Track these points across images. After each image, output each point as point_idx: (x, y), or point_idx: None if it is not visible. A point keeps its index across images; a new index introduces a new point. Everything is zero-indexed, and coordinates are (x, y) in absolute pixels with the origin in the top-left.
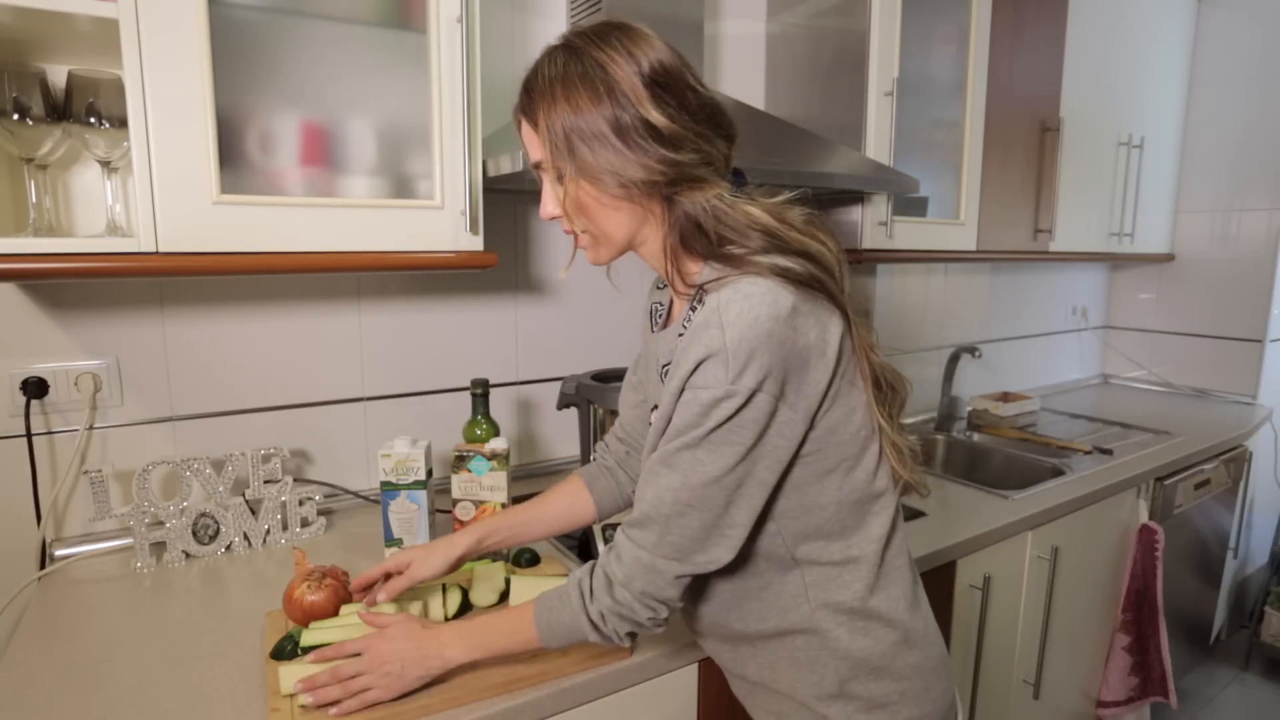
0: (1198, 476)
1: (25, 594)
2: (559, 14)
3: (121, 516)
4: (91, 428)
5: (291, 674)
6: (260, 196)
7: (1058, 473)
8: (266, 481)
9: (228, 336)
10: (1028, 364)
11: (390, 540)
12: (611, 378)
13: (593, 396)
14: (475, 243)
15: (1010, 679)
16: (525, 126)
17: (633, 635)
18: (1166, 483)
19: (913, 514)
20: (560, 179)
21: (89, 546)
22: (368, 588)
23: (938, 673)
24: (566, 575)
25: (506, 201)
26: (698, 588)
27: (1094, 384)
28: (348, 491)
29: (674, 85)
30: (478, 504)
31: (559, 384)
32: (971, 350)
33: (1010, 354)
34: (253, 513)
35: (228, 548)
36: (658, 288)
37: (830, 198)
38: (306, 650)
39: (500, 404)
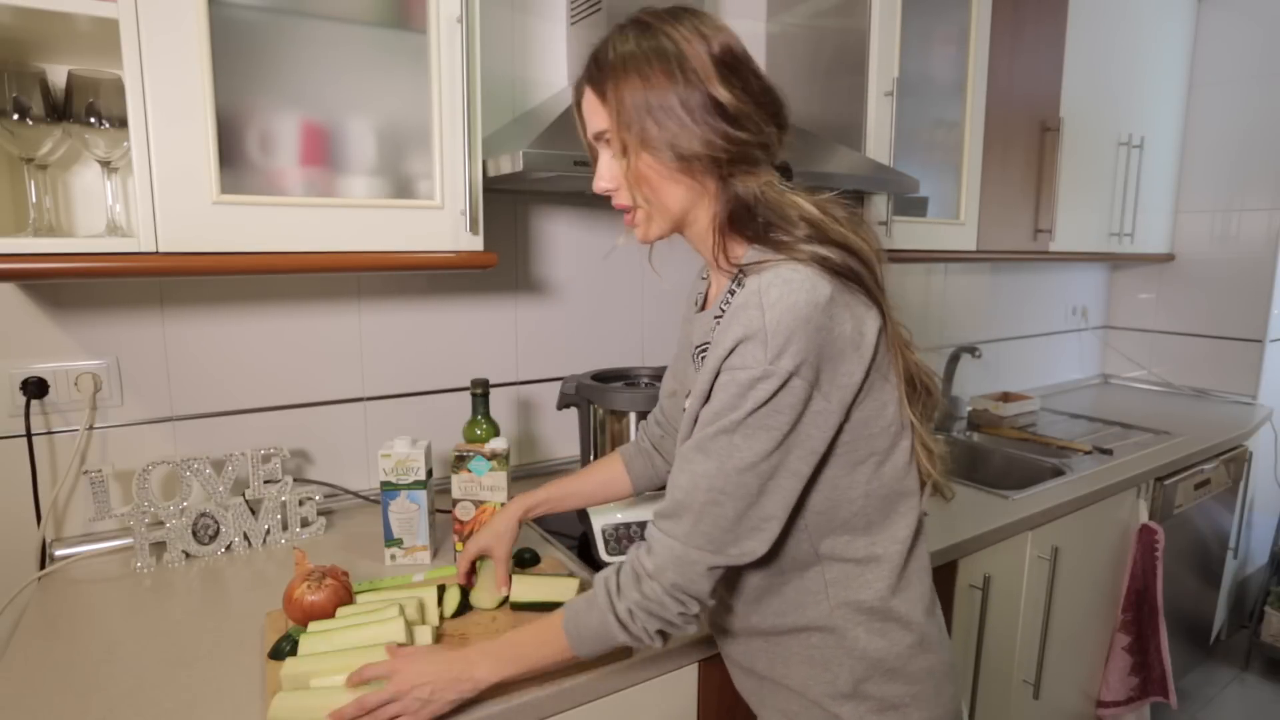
0: (1198, 476)
1: (25, 594)
2: (559, 14)
3: (121, 516)
4: (91, 428)
5: (301, 705)
6: (260, 196)
7: (1058, 473)
8: (266, 481)
9: (228, 336)
10: (1028, 364)
11: (390, 540)
12: (611, 378)
13: (593, 396)
14: (475, 243)
15: (1010, 679)
16: (590, 98)
17: (663, 635)
18: (1166, 483)
19: None
20: (625, 152)
21: (89, 546)
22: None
23: (949, 677)
24: (566, 575)
25: (506, 201)
26: (719, 582)
27: (1094, 384)
28: (348, 491)
29: (740, 68)
30: (478, 504)
31: (559, 384)
32: (971, 350)
33: (1010, 354)
34: (253, 513)
35: (228, 548)
36: (702, 278)
37: None
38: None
39: (500, 404)
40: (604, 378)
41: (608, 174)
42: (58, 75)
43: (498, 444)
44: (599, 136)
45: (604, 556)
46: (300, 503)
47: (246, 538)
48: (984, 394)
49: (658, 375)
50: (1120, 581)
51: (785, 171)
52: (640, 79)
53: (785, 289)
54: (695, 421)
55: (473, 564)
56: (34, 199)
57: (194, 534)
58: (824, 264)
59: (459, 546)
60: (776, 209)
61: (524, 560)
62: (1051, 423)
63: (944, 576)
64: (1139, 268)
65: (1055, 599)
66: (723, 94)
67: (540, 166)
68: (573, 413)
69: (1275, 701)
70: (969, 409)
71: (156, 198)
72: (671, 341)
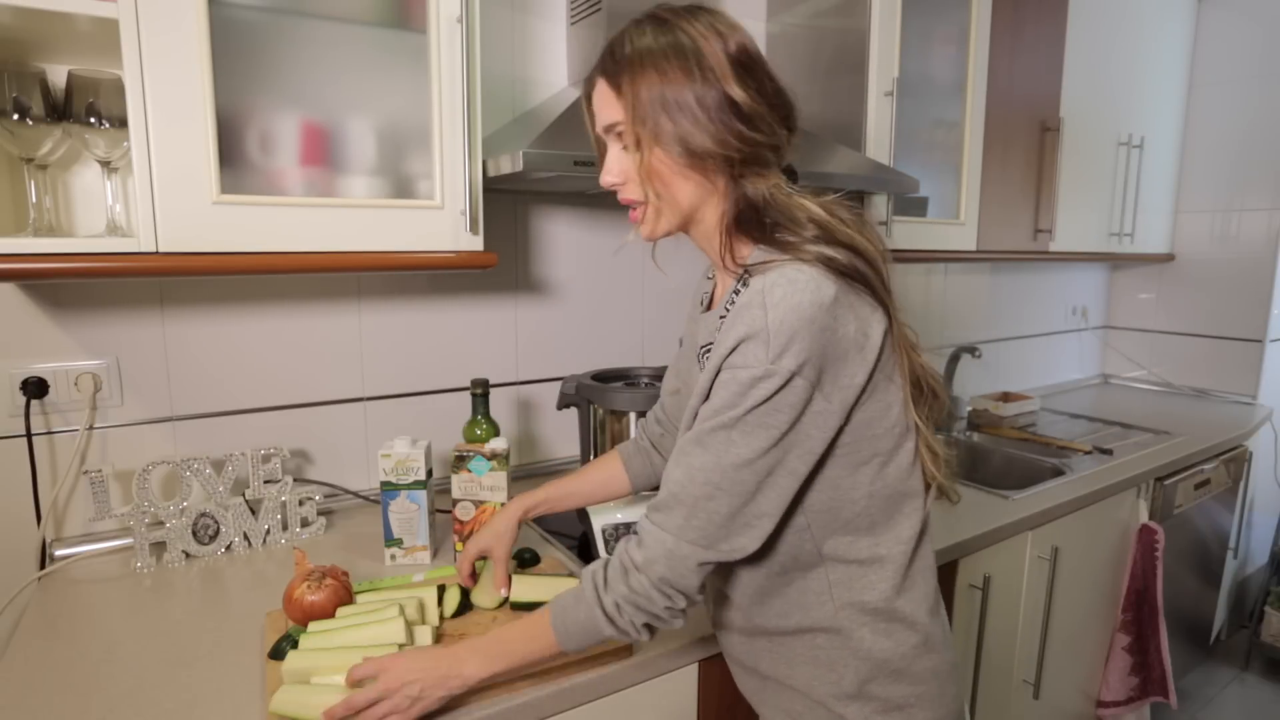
0: (1198, 476)
1: (25, 594)
2: (559, 14)
3: (121, 516)
4: (91, 428)
5: (299, 700)
6: (260, 196)
7: (1058, 473)
8: (266, 481)
9: (228, 336)
10: (1028, 364)
11: (390, 540)
12: (611, 378)
13: (593, 396)
14: (475, 243)
15: (1010, 679)
16: (603, 90)
17: (650, 629)
18: (1166, 483)
19: None
20: (638, 145)
21: (89, 546)
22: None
23: (952, 678)
24: (566, 575)
25: (506, 201)
26: (722, 580)
27: (1094, 384)
28: (348, 491)
29: (755, 68)
30: (478, 504)
31: (559, 384)
32: (971, 350)
33: (1010, 354)
34: (253, 513)
35: (228, 548)
36: (707, 277)
37: None
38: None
39: (500, 404)
40: (604, 378)
41: (616, 168)
42: (58, 75)
43: (498, 444)
44: (609, 129)
45: (604, 556)
46: (300, 503)
47: (246, 538)
48: (984, 394)
49: (658, 375)
50: (1120, 581)
51: (791, 174)
52: (657, 74)
53: (790, 289)
54: (695, 418)
55: (474, 565)
56: (34, 199)
57: (194, 534)
58: (830, 264)
59: (459, 546)
60: (785, 211)
61: (524, 560)
62: (1051, 423)
63: (944, 576)
64: (1139, 268)
65: (1055, 599)
66: (738, 93)
67: (540, 166)
68: (573, 413)
69: (1275, 701)
70: (969, 409)
71: (156, 198)
72: (672, 341)
